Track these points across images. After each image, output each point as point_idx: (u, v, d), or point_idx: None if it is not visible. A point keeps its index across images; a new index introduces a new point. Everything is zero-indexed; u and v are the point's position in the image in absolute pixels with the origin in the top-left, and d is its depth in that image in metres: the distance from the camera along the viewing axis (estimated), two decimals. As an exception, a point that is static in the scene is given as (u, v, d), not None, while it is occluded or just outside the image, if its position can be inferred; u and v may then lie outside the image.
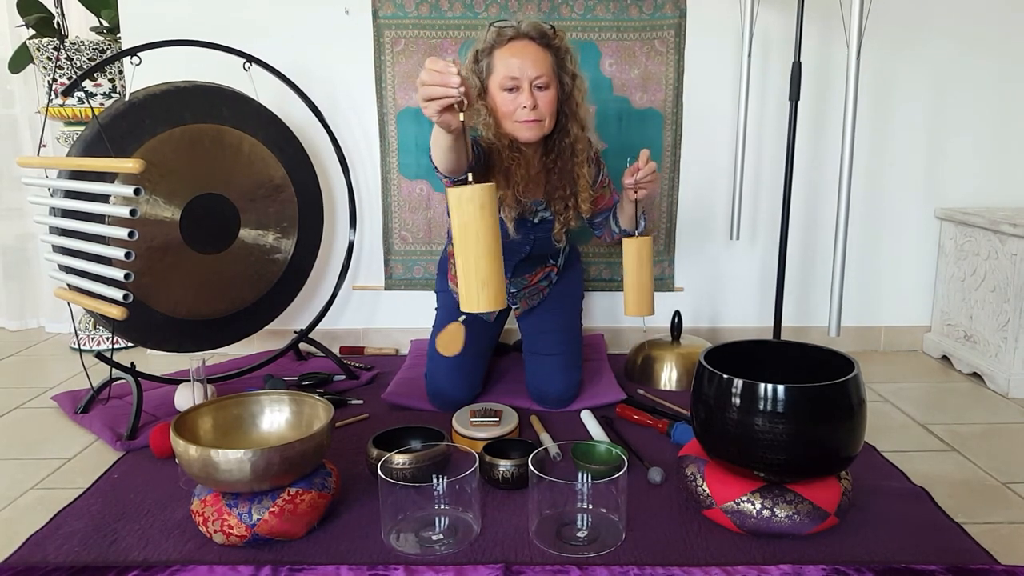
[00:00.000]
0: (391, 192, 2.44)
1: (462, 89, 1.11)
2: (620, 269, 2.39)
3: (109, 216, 1.73)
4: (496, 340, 2.17)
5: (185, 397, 1.91)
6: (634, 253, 1.67)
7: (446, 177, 1.54)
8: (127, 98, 1.85)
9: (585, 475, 1.38)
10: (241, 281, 2.08)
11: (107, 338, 2.56)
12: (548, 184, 1.74)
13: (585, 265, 2.48)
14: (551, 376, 1.96)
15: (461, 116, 1.16)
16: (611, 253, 2.47)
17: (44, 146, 1.90)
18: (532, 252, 1.87)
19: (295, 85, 2.16)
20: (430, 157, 1.50)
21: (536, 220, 1.79)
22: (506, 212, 1.70)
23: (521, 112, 1.62)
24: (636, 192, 1.64)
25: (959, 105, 2.40)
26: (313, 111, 2.20)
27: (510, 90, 1.62)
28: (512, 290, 1.98)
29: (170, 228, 1.90)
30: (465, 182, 1.11)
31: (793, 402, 1.27)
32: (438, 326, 2.07)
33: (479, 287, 1.12)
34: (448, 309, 2.06)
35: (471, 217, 1.10)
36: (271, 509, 1.29)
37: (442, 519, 1.38)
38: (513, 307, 2.06)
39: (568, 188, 1.72)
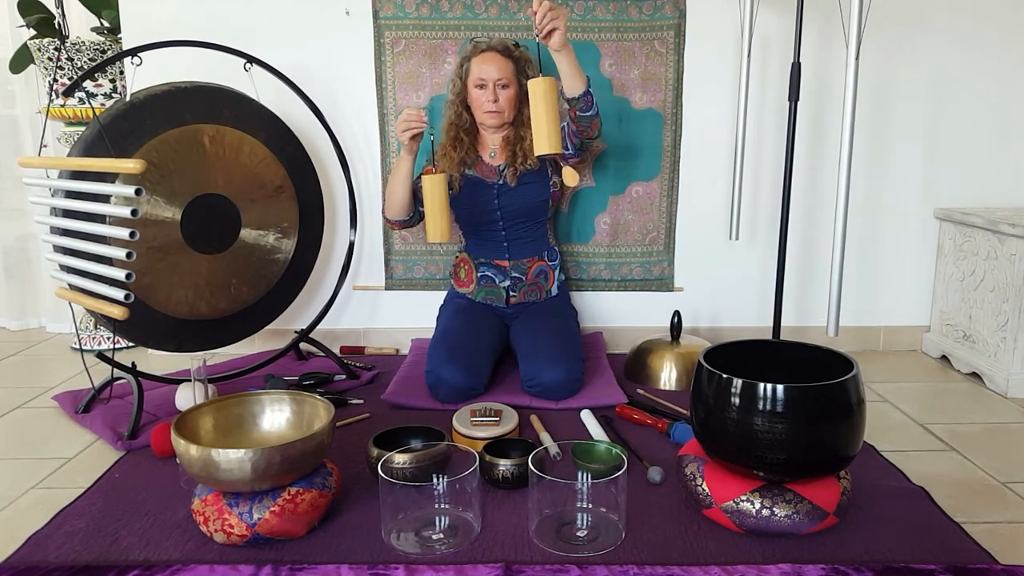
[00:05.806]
0: (391, 192, 2.45)
1: (426, 124, 1.91)
2: (618, 269, 2.44)
3: (110, 216, 1.74)
4: (502, 338, 2.18)
5: (186, 397, 1.91)
6: (535, 93, 1.68)
7: (395, 221, 2.13)
8: (128, 98, 1.85)
9: (585, 475, 1.39)
10: (242, 281, 2.09)
11: (108, 338, 2.56)
12: (511, 146, 2.18)
13: (583, 265, 2.49)
14: (548, 363, 1.97)
15: (420, 143, 1.97)
16: (610, 254, 2.48)
17: (45, 146, 1.90)
18: (501, 205, 2.18)
19: (295, 85, 2.16)
20: (384, 216, 2.16)
21: (500, 181, 2.18)
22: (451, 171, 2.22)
23: (487, 104, 2.10)
24: (546, 37, 1.72)
25: (958, 105, 2.40)
26: (313, 111, 2.20)
27: (480, 88, 2.09)
28: (514, 274, 2.21)
29: (171, 228, 1.90)
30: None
31: (792, 402, 1.28)
32: (440, 326, 2.19)
33: (440, 228, 1.94)
34: (455, 308, 2.22)
35: (435, 190, 1.93)
36: (272, 508, 1.30)
37: (442, 519, 1.38)
38: (512, 294, 2.22)
39: (519, 145, 2.16)
